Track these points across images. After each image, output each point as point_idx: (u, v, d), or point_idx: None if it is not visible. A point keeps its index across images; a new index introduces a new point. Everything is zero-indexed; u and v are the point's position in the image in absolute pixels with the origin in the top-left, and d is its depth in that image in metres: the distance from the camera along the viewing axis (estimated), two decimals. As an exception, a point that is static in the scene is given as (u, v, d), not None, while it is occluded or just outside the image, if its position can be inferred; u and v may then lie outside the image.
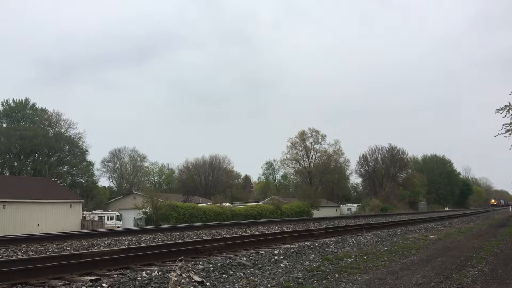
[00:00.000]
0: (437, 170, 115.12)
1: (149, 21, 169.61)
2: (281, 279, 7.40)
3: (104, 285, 6.58)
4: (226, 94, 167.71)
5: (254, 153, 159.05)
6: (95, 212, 50.12)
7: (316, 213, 62.16)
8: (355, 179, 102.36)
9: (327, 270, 8.30)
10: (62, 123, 66.05)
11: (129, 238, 16.62)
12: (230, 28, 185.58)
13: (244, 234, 17.23)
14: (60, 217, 42.69)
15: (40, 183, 48.76)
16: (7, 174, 57.31)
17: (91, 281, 6.78)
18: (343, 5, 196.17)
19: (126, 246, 12.80)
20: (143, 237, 16.78)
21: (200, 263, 8.62)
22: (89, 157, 67.73)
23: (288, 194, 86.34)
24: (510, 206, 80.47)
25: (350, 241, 13.91)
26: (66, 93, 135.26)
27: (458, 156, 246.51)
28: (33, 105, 66.49)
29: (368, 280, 7.46)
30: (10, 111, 64.12)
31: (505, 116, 24.12)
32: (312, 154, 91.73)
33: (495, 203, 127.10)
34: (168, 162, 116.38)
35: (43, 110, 66.76)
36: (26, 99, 65.90)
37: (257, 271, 8.27)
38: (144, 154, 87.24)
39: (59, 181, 59.12)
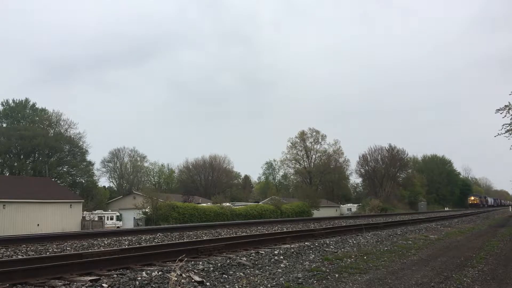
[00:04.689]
0: (437, 170, 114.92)
1: (149, 21, 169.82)
2: (281, 279, 7.40)
3: (104, 285, 6.58)
4: (226, 94, 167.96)
5: (254, 153, 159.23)
6: (95, 212, 50.12)
7: (316, 213, 62.11)
8: (355, 179, 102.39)
9: (327, 270, 8.30)
10: (62, 123, 66.15)
11: (129, 238, 16.61)
12: (230, 28, 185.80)
13: (244, 234, 17.22)
14: (60, 217, 42.69)
15: (40, 183, 48.76)
16: (7, 174, 57.30)
17: (91, 281, 6.78)
18: (343, 5, 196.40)
19: (126, 246, 12.80)
20: (143, 237, 16.76)
21: (200, 263, 8.62)
22: (89, 157, 67.83)
23: (288, 194, 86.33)
24: (510, 206, 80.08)
25: (350, 241, 13.90)
26: (66, 93, 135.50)
27: (458, 156, 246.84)
28: (33, 105, 66.51)
29: (368, 280, 7.46)
30: (10, 111, 64.10)
31: (505, 116, 24.00)
32: (312, 154, 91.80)
33: (476, 202, 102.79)
34: (168, 162, 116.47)
35: (43, 110, 66.79)
36: (26, 99, 65.97)
37: (257, 271, 8.26)
38: (144, 154, 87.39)
39: (59, 181, 59.13)
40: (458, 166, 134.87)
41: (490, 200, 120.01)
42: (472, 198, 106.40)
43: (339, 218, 36.70)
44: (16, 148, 59.25)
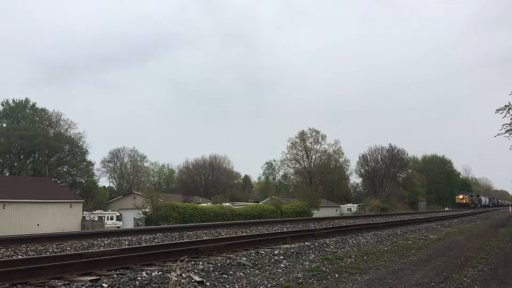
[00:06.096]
0: (437, 170, 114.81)
1: (149, 21, 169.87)
2: (281, 279, 7.40)
3: (104, 285, 6.58)
4: (226, 94, 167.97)
5: (254, 153, 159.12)
6: (95, 212, 50.11)
7: (316, 213, 62.12)
8: (355, 179, 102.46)
9: (327, 270, 8.30)
10: (62, 123, 66.09)
11: (129, 238, 16.61)
12: (230, 28, 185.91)
13: (244, 234, 17.22)
14: (60, 217, 42.69)
15: (40, 183, 48.74)
16: (7, 174, 57.29)
17: (91, 281, 6.78)
18: (343, 5, 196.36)
19: (126, 246, 12.80)
20: (143, 237, 16.77)
21: (200, 263, 8.62)
22: (89, 157, 67.86)
23: (288, 194, 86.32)
24: (510, 206, 79.81)
25: (350, 241, 13.90)
26: (66, 93, 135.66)
27: (458, 156, 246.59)
28: (33, 105, 66.52)
29: (368, 280, 7.46)
30: (10, 111, 64.10)
31: (505, 116, 24.00)
32: (312, 154, 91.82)
33: (464, 202, 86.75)
34: (168, 162, 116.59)
35: (43, 110, 66.80)
36: (26, 99, 66.00)
37: (257, 271, 8.26)
38: (144, 154, 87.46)
39: (59, 181, 59.13)
40: (458, 166, 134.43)
41: (485, 200, 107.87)
42: (461, 196, 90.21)
43: (339, 218, 36.70)
44: (16, 148, 59.24)
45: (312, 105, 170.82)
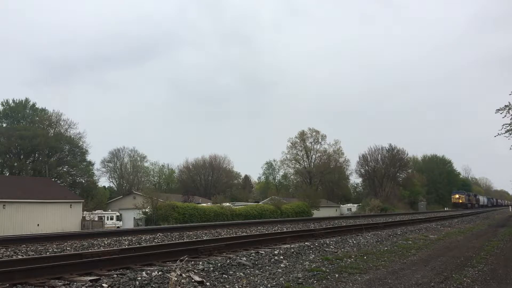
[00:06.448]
0: (437, 170, 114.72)
1: (149, 21, 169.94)
2: (281, 279, 7.40)
3: (104, 285, 6.58)
4: (226, 94, 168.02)
5: (254, 153, 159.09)
6: (95, 212, 50.13)
7: (316, 213, 62.09)
8: (355, 179, 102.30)
9: (327, 270, 8.30)
10: (62, 123, 66.10)
11: (129, 238, 16.60)
12: (230, 28, 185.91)
13: (244, 234, 17.22)
14: (60, 217, 42.69)
15: (40, 183, 48.75)
16: (7, 174, 57.28)
17: (91, 281, 6.78)
18: (343, 5, 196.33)
19: (126, 246, 12.79)
20: (143, 237, 16.76)
21: (200, 263, 8.62)
22: (89, 157, 67.86)
23: (288, 194, 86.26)
24: (510, 206, 79.77)
25: (350, 241, 13.90)
26: (66, 93, 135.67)
27: (458, 156, 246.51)
28: (33, 105, 66.50)
29: (368, 280, 7.46)
30: (10, 111, 64.09)
31: (505, 116, 24.06)
32: (312, 154, 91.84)
33: (461, 201, 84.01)
34: (168, 162, 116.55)
35: (43, 110, 66.79)
36: (26, 99, 65.96)
37: (257, 271, 8.26)
38: (144, 154, 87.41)
39: (59, 181, 59.13)
40: (458, 166, 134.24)
41: (483, 199, 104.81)
42: (457, 196, 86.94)
43: (339, 218, 36.68)
44: (16, 148, 59.23)
45: (312, 105, 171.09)
